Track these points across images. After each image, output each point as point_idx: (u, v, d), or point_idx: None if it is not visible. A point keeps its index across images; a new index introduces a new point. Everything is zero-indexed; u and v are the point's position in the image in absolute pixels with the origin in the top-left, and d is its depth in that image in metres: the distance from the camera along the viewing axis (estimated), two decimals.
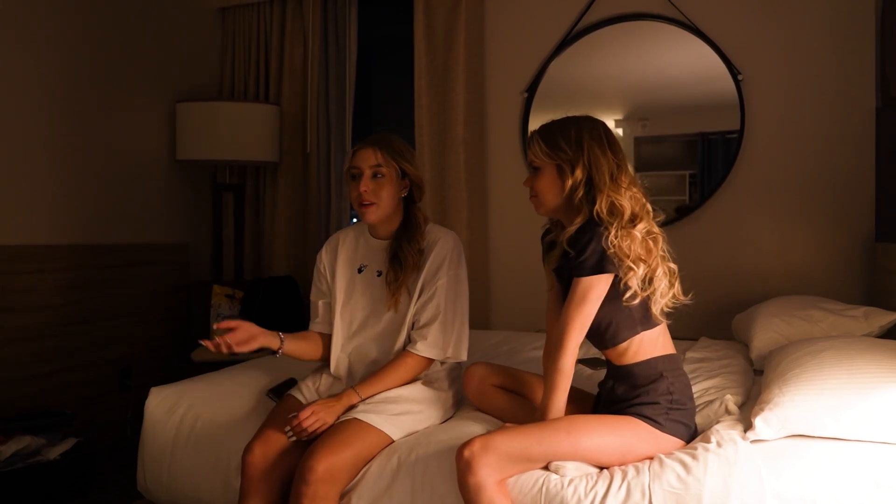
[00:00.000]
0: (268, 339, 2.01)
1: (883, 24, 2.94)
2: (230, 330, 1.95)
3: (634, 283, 1.75)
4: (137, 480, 2.26)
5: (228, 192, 4.04)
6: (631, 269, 1.73)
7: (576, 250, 1.75)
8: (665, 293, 1.79)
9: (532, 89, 3.56)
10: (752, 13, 3.20)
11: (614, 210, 1.75)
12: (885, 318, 2.49)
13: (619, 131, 3.44)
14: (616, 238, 1.72)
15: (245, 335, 1.96)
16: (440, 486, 1.77)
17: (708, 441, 1.73)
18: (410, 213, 2.14)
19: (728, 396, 1.98)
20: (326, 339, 2.19)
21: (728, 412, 1.93)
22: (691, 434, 1.82)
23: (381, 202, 2.06)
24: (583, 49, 3.47)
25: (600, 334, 1.84)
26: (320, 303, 2.21)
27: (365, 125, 4.28)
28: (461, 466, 1.65)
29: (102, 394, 3.46)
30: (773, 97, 3.18)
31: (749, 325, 2.67)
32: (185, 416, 2.20)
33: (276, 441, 1.90)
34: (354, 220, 3.77)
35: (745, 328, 2.73)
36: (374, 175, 2.05)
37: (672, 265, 1.82)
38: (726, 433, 1.75)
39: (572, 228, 1.79)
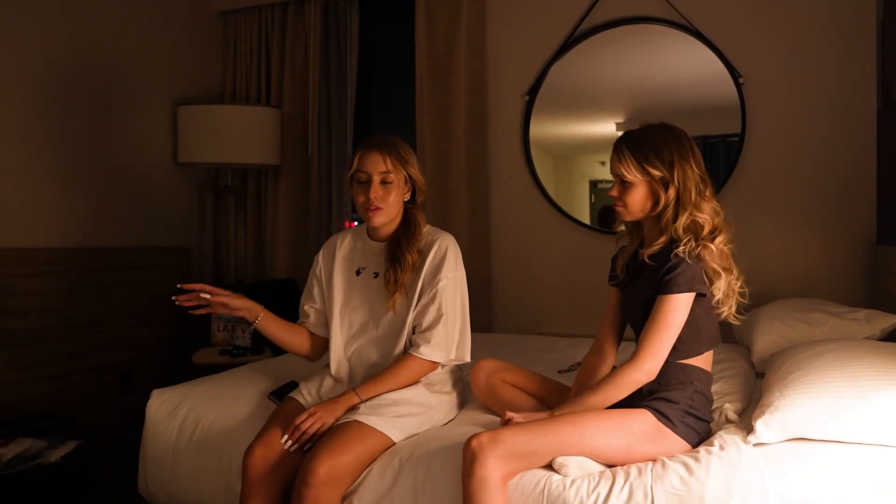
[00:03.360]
0: (249, 310, 2.07)
1: (883, 27, 2.94)
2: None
3: (720, 289, 1.79)
4: (138, 483, 2.26)
5: (230, 195, 4.04)
6: (718, 275, 1.78)
7: (665, 267, 1.77)
8: (735, 297, 1.84)
9: (533, 92, 3.56)
10: (753, 16, 3.20)
11: (693, 227, 1.80)
12: (886, 321, 2.49)
13: (620, 134, 3.43)
14: (693, 253, 1.76)
15: (227, 300, 2.02)
16: (441, 488, 1.77)
17: (710, 444, 1.73)
18: (409, 214, 2.15)
19: (727, 405, 1.98)
20: (316, 340, 2.20)
21: (728, 421, 1.93)
22: (699, 442, 1.81)
23: (389, 207, 2.07)
24: (584, 52, 3.47)
25: None
26: (306, 306, 2.22)
27: (366, 128, 4.29)
28: (468, 457, 1.64)
29: (104, 396, 3.45)
30: (775, 100, 3.18)
31: (750, 327, 2.67)
32: (187, 418, 2.19)
33: (277, 444, 1.90)
34: (356, 222, 3.77)
35: (746, 331, 2.72)
36: (383, 181, 2.06)
37: (739, 276, 1.85)
38: (728, 437, 1.75)
39: (658, 244, 1.82)
